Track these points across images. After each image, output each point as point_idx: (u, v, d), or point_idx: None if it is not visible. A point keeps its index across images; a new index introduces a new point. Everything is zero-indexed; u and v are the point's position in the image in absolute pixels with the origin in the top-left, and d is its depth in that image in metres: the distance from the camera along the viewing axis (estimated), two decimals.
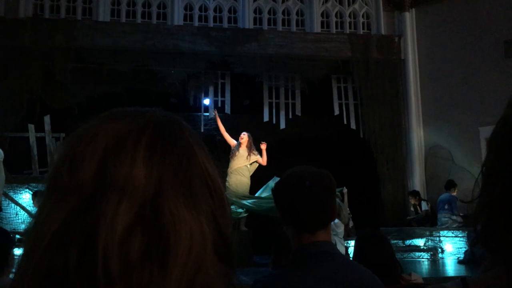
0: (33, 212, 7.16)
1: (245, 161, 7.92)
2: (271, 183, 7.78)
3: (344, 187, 8.20)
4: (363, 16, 10.92)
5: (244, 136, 8.01)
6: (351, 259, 2.49)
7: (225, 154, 7.97)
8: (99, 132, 0.53)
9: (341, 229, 6.96)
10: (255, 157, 7.98)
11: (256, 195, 7.95)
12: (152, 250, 0.48)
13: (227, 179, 7.76)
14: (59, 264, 0.48)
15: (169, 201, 0.50)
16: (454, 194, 8.86)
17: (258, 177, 8.32)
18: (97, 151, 0.51)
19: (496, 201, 0.63)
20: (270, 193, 7.36)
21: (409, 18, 10.86)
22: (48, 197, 0.52)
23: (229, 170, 7.81)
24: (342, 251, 6.56)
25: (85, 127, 0.55)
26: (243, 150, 7.92)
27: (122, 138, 0.52)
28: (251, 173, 8.09)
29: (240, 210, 7.62)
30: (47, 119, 8.64)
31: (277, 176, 7.96)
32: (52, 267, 0.48)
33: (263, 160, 8.02)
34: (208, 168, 0.56)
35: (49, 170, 0.55)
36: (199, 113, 10.87)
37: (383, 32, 10.84)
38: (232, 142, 8.08)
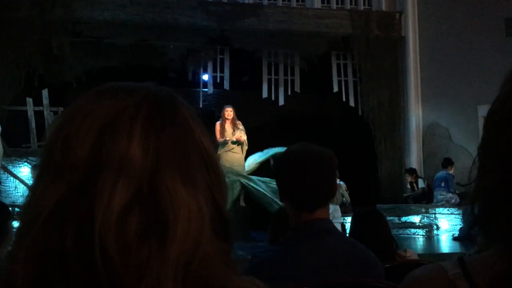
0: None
1: (231, 137, 7.75)
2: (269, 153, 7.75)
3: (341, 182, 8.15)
4: None
5: (231, 113, 7.78)
6: (347, 236, 2.51)
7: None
8: (93, 109, 0.52)
9: (338, 213, 7.03)
10: (240, 132, 7.77)
11: (252, 160, 7.83)
12: (150, 229, 0.48)
13: (221, 159, 7.62)
14: (55, 243, 0.47)
15: (166, 179, 0.50)
16: (451, 172, 8.91)
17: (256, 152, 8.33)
18: (91, 129, 0.51)
19: (494, 185, 0.63)
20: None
21: None
22: (42, 176, 0.52)
23: (220, 150, 7.59)
24: (339, 229, 6.63)
25: (78, 103, 0.54)
26: (228, 126, 7.77)
27: (118, 115, 0.51)
28: (245, 151, 7.97)
29: (237, 188, 7.55)
30: (45, 93, 8.58)
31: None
32: (48, 246, 0.48)
33: (244, 139, 7.81)
34: (204, 143, 0.56)
35: (42, 149, 0.54)
36: (198, 89, 10.80)
37: (384, 8, 10.70)
38: (218, 135, 7.76)
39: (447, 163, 9.03)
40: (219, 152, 7.63)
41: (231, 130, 7.80)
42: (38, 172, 0.53)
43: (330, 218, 1.62)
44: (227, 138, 7.68)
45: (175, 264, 0.48)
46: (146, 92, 0.55)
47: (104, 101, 0.53)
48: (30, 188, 0.53)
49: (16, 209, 5.97)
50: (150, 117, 0.52)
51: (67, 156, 0.50)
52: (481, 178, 0.66)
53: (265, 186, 7.45)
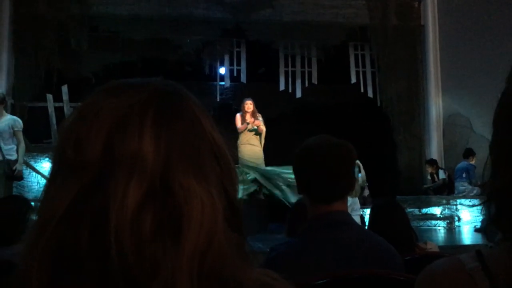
0: None
1: (251, 122, 7.78)
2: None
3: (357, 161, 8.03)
4: None
5: (251, 106, 7.78)
6: (366, 228, 2.49)
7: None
8: (102, 108, 0.52)
9: (357, 206, 6.98)
10: (258, 121, 7.78)
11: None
12: (165, 225, 0.48)
13: (239, 151, 7.65)
14: (70, 241, 0.48)
15: (178, 175, 0.50)
16: (472, 162, 8.78)
17: (275, 145, 8.33)
18: (102, 128, 0.51)
19: (506, 185, 0.61)
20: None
21: None
22: (55, 175, 0.52)
23: (239, 142, 7.67)
24: (358, 221, 6.58)
25: (87, 103, 0.54)
26: (248, 118, 7.77)
27: (127, 112, 0.52)
28: (263, 144, 7.98)
29: (251, 181, 7.54)
30: (64, 88, 8.70)
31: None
32: (63, 244, 0.48)
33: (262, 128, 7.82)
34: (214, 137, 0.56)
35: (54, 148, 0.54)
36: (215, 82, 10.82)
37: None
38: (239, 125, 7.81)
39: (468, 153, 8.90)
40: (237, 145, 7.66)
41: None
42: (51, 171, 0.53)
43: (349, 210, 1.61)
44: (247, 121, 7.69)
45: (190, 258, 0.48)
46: (153, 88, 0.55)
47: (113, 99, 0.53)
48: (44, 187, 0.53)
49: (39, 204, 6.08)
50: (159, 113, 0.52)
51: (79, 156, 0.50)
52: (495, 177, 0.64)
53: (283, 179, 7.42)
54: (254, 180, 7.45)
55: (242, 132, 7.75)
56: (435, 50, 10.42)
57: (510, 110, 0.64)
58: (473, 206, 8.33)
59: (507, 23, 9.27)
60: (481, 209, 0.63)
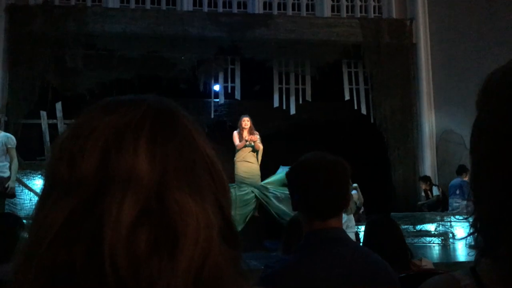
0: None
1: (248, 146, 7.79)
2: (281, 173, 7.68)
3: (354, 184, 8.10)
4: None
5: (248, 123, 7.83)
6: (361, 245, 2.49)
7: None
8: (96, 126, 0.52)
9: (352, 223, 6.97)
10: (256, 137, 7.79)
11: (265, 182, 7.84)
12: (160, 241, 0.48)
13: (235, 168, 7.64)
14: (64, 262, 0.47)
15: (174, 191, 0.50)
16: (466, 179, 8.79)
17: (269, 162, 8.32)
18: (97, 146, 0.51)
19: (490, 215, 0.61)
20: (280, 183, 7.30)
21: (421, 1, 10.68)
22: (48, 193, 0.52)
23: (235, 159, 7.69)
24: (353, 238, 6.57)
25: (81, 120, 0.54)
26: (245, 135, 7.79)
27: (122, 130, 0.52)
28: (259, 161, 7.99)
29: (252, 199, 7.53)
30: (58, 106, 8.69)
31: (284, 165, 7.90)
32: (57, 264, 0.48)
33: (259, 146, 7.83)
34: (208, 152, 0.56)
35: (47, 166, 0.53)
36: (209, 99, 10.85)
37: (394, 16, 10.69)
38: (237, 142, 7.84)
39: (462, 170, 8.93)
40: (234, 162, 7.65)
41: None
42: (44, 188, 0.53)
43: (344, 227, 1.60)
44: (245, 138, 7.69)
45: (186, 274, 0.48)
46: (147, 105, 0.55)
47: (107, 116, 0.53)
48: (36, 205, 0.53)
49: (30, 222, 6.01)
50: (154, 130, 0.53)
51: (73, 174, 0.50)
52: (477, 207, 0.64)
53: (278, 197, 7.41)
54: (251, 197, 7.44)
55: (239, 149, 7.74)
56: (427, 68, 10.54)
57: (486, 140, 0.64)
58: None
59: (499, 40, 9.39)
60: (466, 241, 0.63)
